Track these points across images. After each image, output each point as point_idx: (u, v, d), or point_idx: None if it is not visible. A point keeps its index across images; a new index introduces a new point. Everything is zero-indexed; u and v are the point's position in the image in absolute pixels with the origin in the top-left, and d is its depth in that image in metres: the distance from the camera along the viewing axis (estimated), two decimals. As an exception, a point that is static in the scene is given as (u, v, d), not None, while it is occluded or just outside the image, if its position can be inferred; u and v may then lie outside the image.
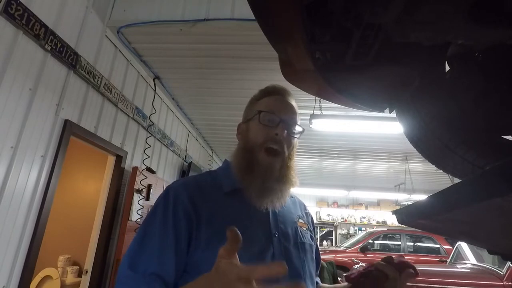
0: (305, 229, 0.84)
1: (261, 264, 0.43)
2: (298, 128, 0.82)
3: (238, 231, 0.47)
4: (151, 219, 0.69)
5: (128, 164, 3.16)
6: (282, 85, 0.86)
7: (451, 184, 0.42)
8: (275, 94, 0.84)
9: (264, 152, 0.76)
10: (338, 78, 0.78)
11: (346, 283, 0.80)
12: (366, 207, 10.54)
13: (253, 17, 0.56)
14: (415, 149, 0.84)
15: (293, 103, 0.85)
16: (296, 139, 0.84)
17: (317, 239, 0.97)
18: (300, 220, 0.85)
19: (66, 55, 2.15)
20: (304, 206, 0.94)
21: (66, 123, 2.19)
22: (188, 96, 4.05)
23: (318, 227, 10.28)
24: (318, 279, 0.91)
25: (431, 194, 0.48)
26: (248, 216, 0.74)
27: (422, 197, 1.18)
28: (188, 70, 3.33)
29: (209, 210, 0.70)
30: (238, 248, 0.48)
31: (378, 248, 6.85)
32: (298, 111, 0.85)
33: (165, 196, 0.72)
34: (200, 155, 5.94)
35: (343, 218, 10.60)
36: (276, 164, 0.77)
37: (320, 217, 10.56)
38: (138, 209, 3.14)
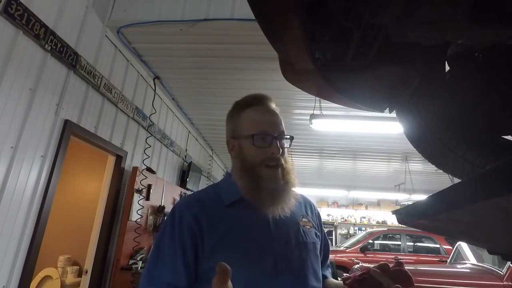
0: (308, 227, 0.85)
1: None
2: (288, 137, 0.84)
3: (227, 265, 0.54)
4: (162, 237, 0.77)
5: (128, 164, 3.16)
6: (261, 93, 0.87)
7: (451, 184, 0.42)
8: (257, 104, 0.84)
9: (265, 167, 0.79)
10: (338, 78, 0.78)
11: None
12: (366, 207, 10.54)
13: (253, 17, 0.56)
14: (415, 149, 0.84)
15: (274, 107, 0.86)
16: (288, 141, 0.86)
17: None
18: (304, 219, 0.86)
19: (66, 55, 2.15)
20: (310, 203, 0.94)
21: (66, 123, 2.19)
22: (188, 96, 4.05)
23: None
24: (328, 273, 0.91)
25: (431, 194, 0.48)
26: (248, 224, 0.78)
27: (422, 197, 1.18)
28: (188, 70, 3.33)
29: (210, 222, 0.76)
30: (227, 280, 0.55)
31: (378, 248, 6.84)
32: (279, 112, 0.86)
33: (172, 215, 0.79)
34: (200, 155, 5.94)
35: (343, 218, 10.60)
36: (278, 173, 0.80)
37: (320, 217, 10.57)
38: (138, 209, 3.14)
